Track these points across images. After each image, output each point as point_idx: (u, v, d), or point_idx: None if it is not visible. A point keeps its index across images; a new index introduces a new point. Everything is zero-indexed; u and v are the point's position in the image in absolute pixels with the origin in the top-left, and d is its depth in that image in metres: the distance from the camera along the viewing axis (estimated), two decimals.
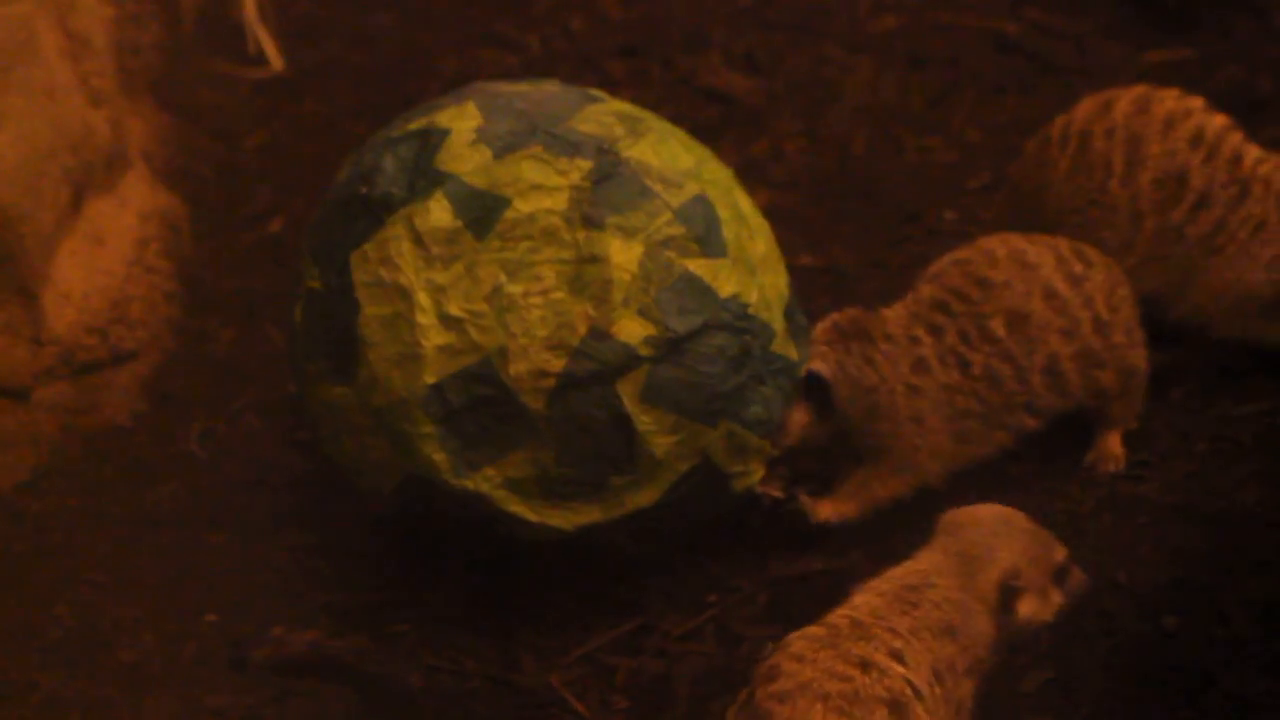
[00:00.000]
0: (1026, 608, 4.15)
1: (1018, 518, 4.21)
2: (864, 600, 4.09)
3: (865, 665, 3.92)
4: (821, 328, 4.81)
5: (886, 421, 4.76)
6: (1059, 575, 4.20)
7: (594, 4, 6.67)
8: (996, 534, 4.17)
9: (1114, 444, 4.95)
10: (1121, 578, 4.63)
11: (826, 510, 4.79)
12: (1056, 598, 4.20)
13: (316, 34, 6.58)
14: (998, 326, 4.79)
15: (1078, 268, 4.87)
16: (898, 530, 4.72)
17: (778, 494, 4.75)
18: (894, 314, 4.84)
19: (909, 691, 3.92)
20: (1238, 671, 4.40)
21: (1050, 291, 4.83)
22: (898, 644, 3.97)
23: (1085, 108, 5.18)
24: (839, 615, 4.05)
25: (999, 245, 4.89)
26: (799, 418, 4.72)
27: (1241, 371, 5.11)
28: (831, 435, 4.78)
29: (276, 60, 6.45)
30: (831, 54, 6.41)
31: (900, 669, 3.94)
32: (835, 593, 4.63)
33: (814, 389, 4.72)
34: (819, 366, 4.72)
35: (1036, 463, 4.89)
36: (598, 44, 6.50)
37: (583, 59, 6.44)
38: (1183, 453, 4.96)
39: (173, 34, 6.16)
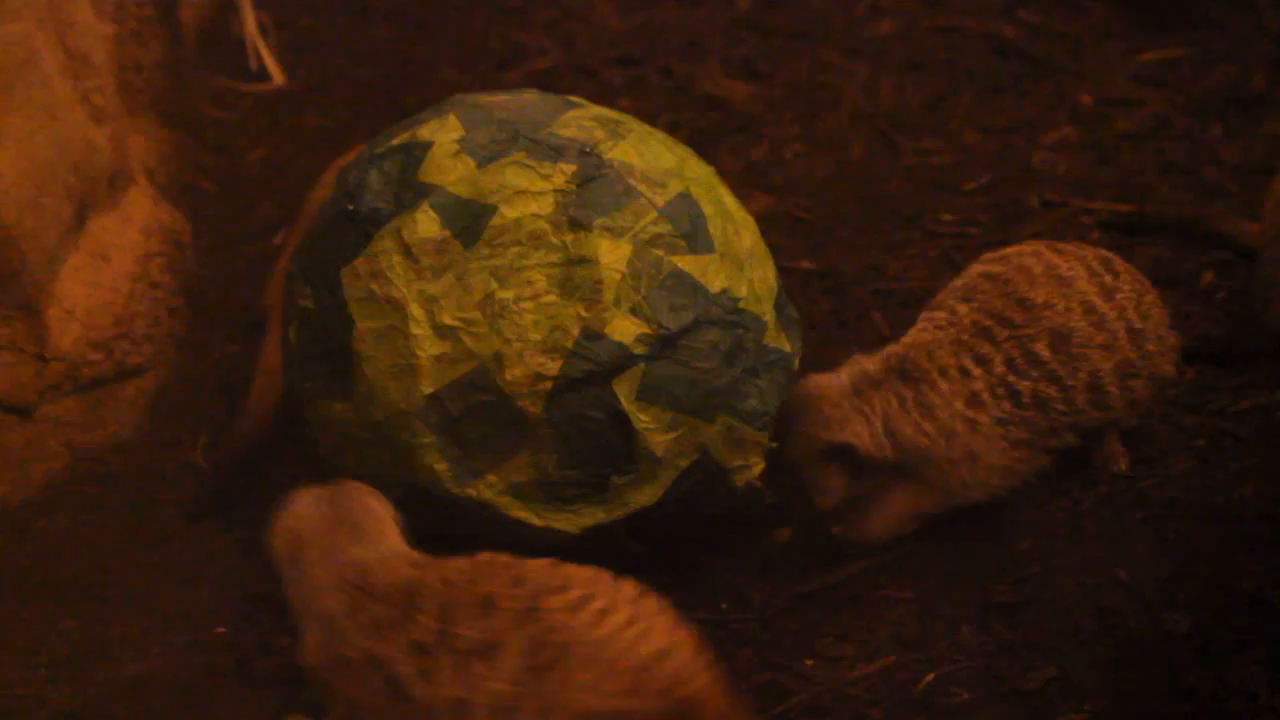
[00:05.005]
0: None
1: None
2: None
3: None
4: (849, 373, 4.70)
5: (939, 466, 4.68)
6: None
7: (593, 13, 6.69)
8: None
9: (1116, 442, 4.92)
10: (1121, 574, 4.64)
11: (873, 532, 4.76)
12: None
13: (316, 48, 6.60)
14: (1042, 349, 4.71)
15: (1108, 279, 4.81)
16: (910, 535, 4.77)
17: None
18: (936, 342, 4.72)
19: None
20: (1240, 667, 4.41)
21: (1088, 306, 4.77)
22: None
23: None
24: None
25: (1034, 260, 4.80)
26: (835, 483, 4.67)
27: (1238, 368, 5.12)
28: (870, 482, 4.71)
29: (277, 75, 6.48)
30: (829, 59, 6.42)
31: None
32: (850, 601, 4.65)
33: (845, 455, 4.65)
34: (850, 439, 4.63)
35: None
36: (597, 53, 6.52)
37: (582, 68, 6.45)
38: (1181, 448, 4.96)
39: (174, 50, 6.19)
